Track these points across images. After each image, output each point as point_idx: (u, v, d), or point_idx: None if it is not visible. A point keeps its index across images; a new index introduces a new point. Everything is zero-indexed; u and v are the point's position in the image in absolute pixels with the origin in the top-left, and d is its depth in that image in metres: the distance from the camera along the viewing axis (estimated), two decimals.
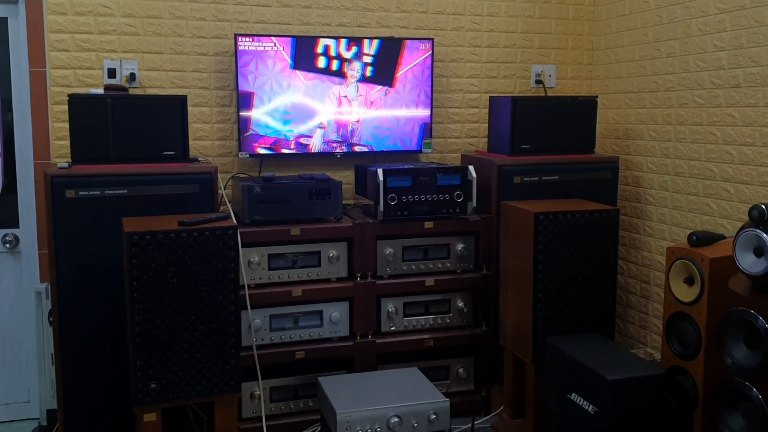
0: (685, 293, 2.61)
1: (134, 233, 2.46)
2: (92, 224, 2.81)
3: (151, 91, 3.36)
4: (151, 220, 2.70)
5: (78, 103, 2.83)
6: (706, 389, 2.55)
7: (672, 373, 2.66)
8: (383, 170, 3.18)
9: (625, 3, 3.72)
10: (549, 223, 2.93)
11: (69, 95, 2.82)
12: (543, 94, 3.93)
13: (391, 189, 3.19)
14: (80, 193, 2.78)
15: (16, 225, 3.34)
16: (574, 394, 2.68)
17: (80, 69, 3.26)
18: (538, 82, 3.94)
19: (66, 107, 3.23)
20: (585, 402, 2.61)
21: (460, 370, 3.45)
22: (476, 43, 3.82)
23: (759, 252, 2.27)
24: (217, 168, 3.02)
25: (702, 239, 2.61)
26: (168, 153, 2.95)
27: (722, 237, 2.67)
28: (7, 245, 3.32)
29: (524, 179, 3.36)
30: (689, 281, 2.59)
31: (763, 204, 2.26)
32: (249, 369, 3.07)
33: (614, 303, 3.06)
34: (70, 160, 2.88)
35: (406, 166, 3.31)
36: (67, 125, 3.25)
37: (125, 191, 2.83)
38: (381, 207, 3.18)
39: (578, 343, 2.82)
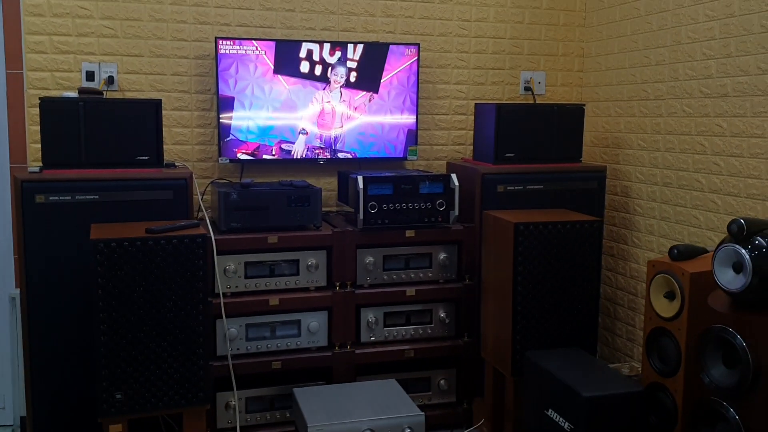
0: (665, 308, 2.54)
1: (100, 241, 2.41)
2: (63, 230, 2.75)
3: (130, 95, 3.31)
4: (119, 227, 2.64)
5: (49, 107, 2.78)
6: (685, 407, 2.48)
7: (652, 390, 2.59)
8: (363, 177, 3.12)
9: (616, 9, 3.65)
10: (529, 234, 2.86)
11: (40, 98, 2.77)
12: (532, 102, 3.86)
13: (371, 197, 3.13)
14: (50, 198, 2.73)
15: None
16: (551, 410, 2.61)
17: (58, 71, 3.22)
18: (527, 89, 3.87)
19: None
20: (561, 419, 2.54)
21: (442, 382, 3.38)
22: (464, 49, 3.76)
23: (738, 268, 2.20)
24: (193, 174, 2.97)
25: (683, 253, 2.54)
26: (142, 158, 2.90)
27: (705, 251, 2.60)
28: None
29: (508, 188, 3.29)
30: (670, 296, 2.52)
31: (742, 218, 2.19)
32: (224, 379, 3.01)
33: (596, 316, 2.99)
34: (41, 165, 2.83)
35: (387, 174, 3.25)
36: None
37: (96, 197, 2.78)
38: (361, 215, 3.12)
39: (557, 357, 2.76)
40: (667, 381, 2.53)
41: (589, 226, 2.93)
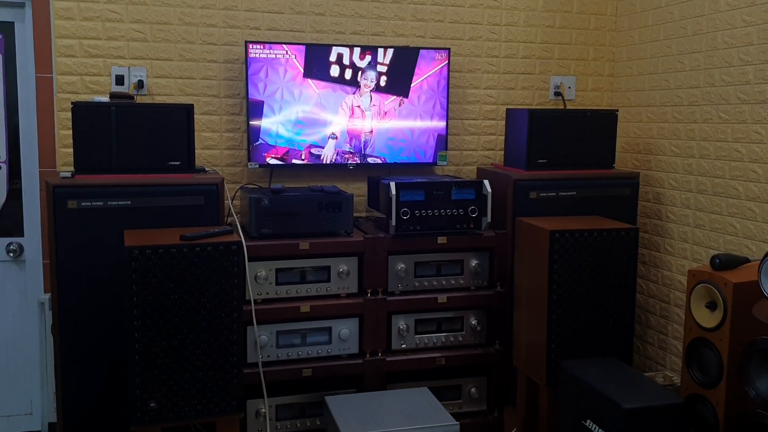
0: (706, 318, 2.49)
1: (134, 248, 2.39)
2: (94, 236, 2.74)
3: (159, 99, 3.29)
4: (153, 233, 2.62)
5: (81, 112, 2.77)
6: (727, 420, 2.43)
7: (691, 401, 2.54)
8: (396, 183, 3.08)
9: (649, 14, 3.60)
10: (565, 242, 2.82)
11: (72, 103, 2.76)
12: (562, 107, 3.82)
13: (403, 203, 3.10)
14: (83, 203, 2.71)
15: (21, 233, 3.28)
16: (588, 421, 2.56)
17: (87, 75, 3.20)
18: (557, 94, 3.83)
19: None
20: (600, 430, 2.50)
21: (473, 390, 3.34)
22: (494, 54, 3.72)
23: None
24: (224, 179, 2.94)
25: (725, 262, 2.50)
26: (173, 163, 2.88)
27: (747, 260, 2.55)
28: (11, 254, 3.26)
29: (540, 194, 3.25)
30: (711, 306, 2.48)
31: None
32: (254, 386, 2.99)
33: (632, 326, 2.94)
34: (73, 170, 2.81)
35: (419, 180, 3.22)
36: None
37: (128, 202, 2.76)
38: (393, 221, 3.09)
39: (594, 367, 2.71)
40: (708, 392, 2.48)
41: (625, 233, 2.88)
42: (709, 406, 2.48)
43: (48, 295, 3.13)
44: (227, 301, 2.51)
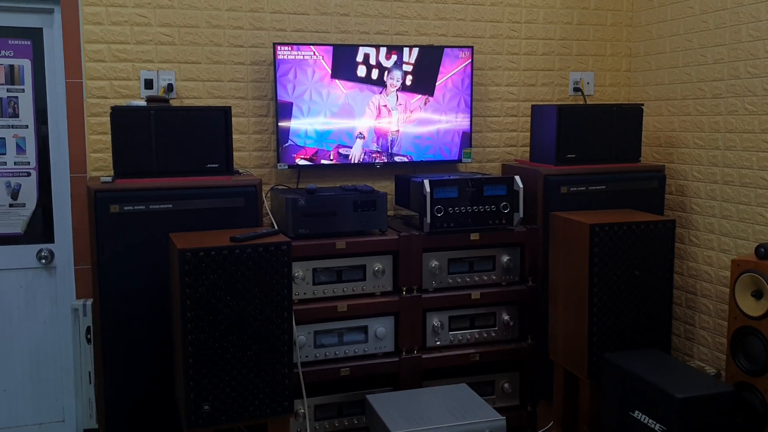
0: (752, 307, 2.53)
1: (187, 250, 2.38)
2: (137, 239, 2.73)
3: (188, 102, 3.28)
4: (199, 235, 2.61)
5: (120, 116, 2.76)
6: None
7: (739, 389, 2.58)
8: (430, 181, 3.10)
9: (667, 9, 3.65)
10: (604, 235, 2.85)
11: (112, 107, 2.74)
12: (582, 102, 3.85)
13: (437, 200, 3.11)
14: (125, 208, 2.70)
15: (51, 240, 3.25)
16: (637, 412, 2.60)
17: (117, 80, 3.18)
18: (576, 89, 3.86)
19: (102, 119, 3.16)
20: (651, 420, 2.53)
21: (506, 385, 3.36)
22: (514, 51, 3.75)
23: None
24: (261, 180, 2.93)
25: None
26: (212, 165, 2.87)
27: None
28: (43, 261, 3.23)
29: (571, 189, 3.28)
30: (757, 295, 2.51)
31: None
32: (293, 387, 2.98)
33: (670, 317, 2.97)
34: (113, 174, 2.80)
35: (452, 177, 3.23)
36: (103, 137, 3.17)
37: (170, 206, 2.76)
38: (428, 219, 3.10)
39: (638, 359, 2.74)
40: (756, 380, 2.52)
41: (662, 226, 2.91)
42: (757, 393, 2.52)
43: (81, 301, 3.11)
44: (277, 301, 2.51)
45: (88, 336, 3.08)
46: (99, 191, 2.68)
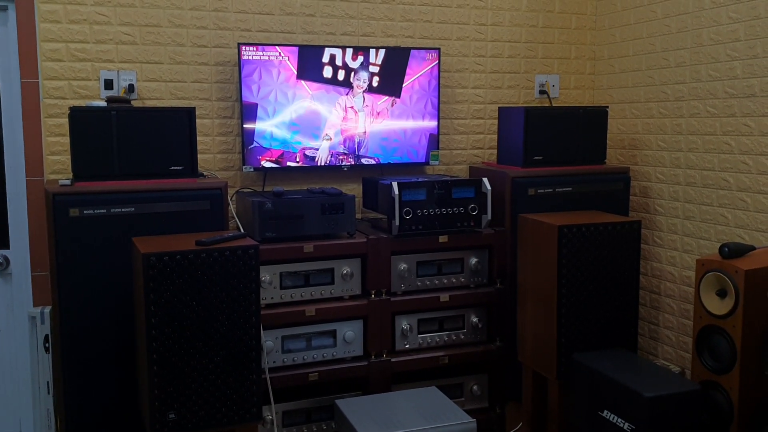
0: (717, 306, 2.56)
1: (151, 254, 2.31)
2: (97, 244, 2.65)
3: (149, 103, 3.21)
4: (164, 239, 2.55)
5: (80, 116, 2.68)
6: (741, 405, 2.50)
7: (705, 387, 2.60)
8: (398, 183, 3.08)
9: (630, 13, 3.69)
10: (573, 236, 2.85)
11: (70, 108, 2.66)
12: (548, 105, 3.87)
13: (406, 203, 3.09)
14: (85, 211, 2.62)
15: (7, 246, 3.14)
16: (606, 412, 2.60)
17: (75, 80, 3.10)
18: (542, 92, 3.88)
19: (60, 120, 3.07)
20: (620, 420, 2.54)
21: (474, 388, 3.35)
22: (481, 53, 3.75)
23: None
24: (227, 183, 2.88)
25: (733, 251, 2.57)
26: (176, 168, 2.81)
27: (752, 248, 2.63)
28: None
29: (538, 191, 3.29)
30: (722, 294, 2.54)
31: None
32: (261, 393, 2.92)
33: (636, 316, 3.00)
34: (72, 177, 2.71)
35: (420, 179, 3.21)
36: (61, 139, 3.08)
37: (132, 209, 2.68)
38: (396, 221, 3.07)
39: (606, 358, 2.75)
40: (721, 378, 2.55)
41: (629, 227, 2.93)
42: (722, 391, 2.54)
43: (39, 309, 3.01)
44: (245, 306, 2.46)
45: (46, 344, 2.99)
46: (57, 194, 2.60)
